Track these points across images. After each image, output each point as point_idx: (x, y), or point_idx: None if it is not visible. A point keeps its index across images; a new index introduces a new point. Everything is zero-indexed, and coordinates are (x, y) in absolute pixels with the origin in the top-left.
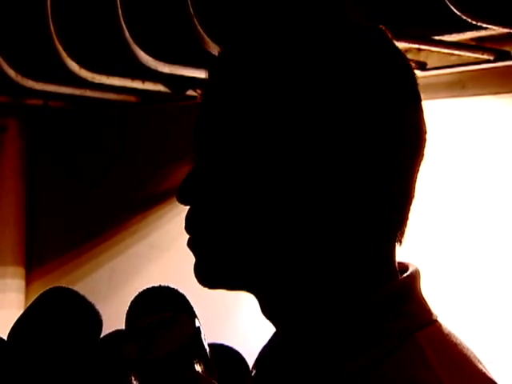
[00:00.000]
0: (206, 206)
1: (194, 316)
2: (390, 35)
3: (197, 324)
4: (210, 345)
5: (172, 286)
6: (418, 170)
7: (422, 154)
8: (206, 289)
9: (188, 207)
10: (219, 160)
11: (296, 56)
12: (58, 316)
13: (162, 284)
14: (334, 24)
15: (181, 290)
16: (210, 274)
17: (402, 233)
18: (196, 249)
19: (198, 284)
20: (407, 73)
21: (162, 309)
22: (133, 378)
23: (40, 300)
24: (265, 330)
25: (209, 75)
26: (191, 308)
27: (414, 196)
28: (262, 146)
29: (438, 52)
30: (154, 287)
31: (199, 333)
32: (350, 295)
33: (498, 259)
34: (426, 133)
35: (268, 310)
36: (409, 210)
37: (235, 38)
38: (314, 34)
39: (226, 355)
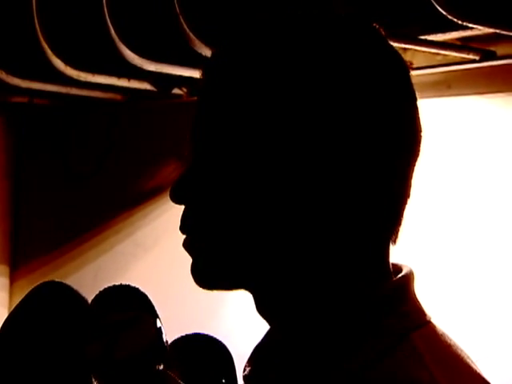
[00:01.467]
0: (202, 205)
1: (155, 315)
2: (383, 33)
3: (158, 324)
4: (194, 335)
5: (157, 283)
6: (414, 170)
7: (418, 153)
8: (190, 287)
9: (176, 206)
10: (216, 160)
11: (291, 55)
12: (51, 309)
13: (129, 282)
14: (328, 22)
15: (166, 288)
16: (207, 276)
17: (397, 232)
18: (192, 250)
19: (182, 282)
20: (403, 71)
21: (124, 308)
22: (93, 378)
23: (33, 293)
24: (249, 330)
25: (204, 75)
26: (153, 307)
27: (409, 196)
28: (258, 146)
29: (424, 52)
30: (115, 286)
31: (161, 332)
32: (344, 295)
33: (490, 258)
34: (421, 131)
35: (264, 309)
36: (404, 209)
37: (229, 38)
38: (308, 34)
39: (209, 345)
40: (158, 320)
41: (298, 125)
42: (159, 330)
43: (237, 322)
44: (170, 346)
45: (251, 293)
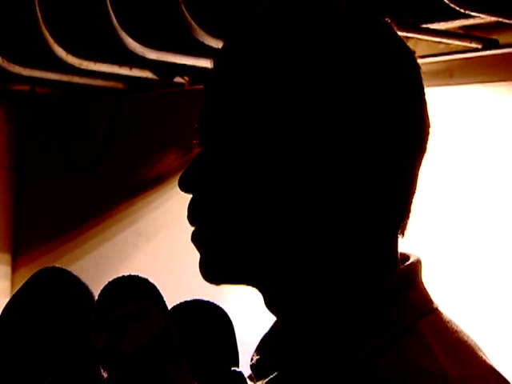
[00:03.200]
0: (210, 196)
1: (164, 307)
2: (394, 26)
3: (167, 315)
4: (193, 301)
5: (158, 272)
6: (421, 163)
7: (426, 147)
8: (192, 276)
9: (178, 196)
10: (225, 150)
11: (300, 48)
12: (52, 294)
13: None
14: (338, 14)
15: (167, 277)
16: (215, 271)
17: (405, 225)
18: (201, 244)
19: (183, 271)
20: (413, 66)
21: (133, 299)
22: (102, 370)
23: (34, 279)
24: (253, 317)
25: (214, 65)
26: (162, 298)
27: (416, 188)
28: (267, 137)
29: (427, 40)
30: (123, 277)
31: (170, 324)
32: (353, 285)
33: (496, 245)
34: (429, 126)
35: (271, 302)
36: (411, 202)
37: (239, 29)
38: (318, 27)
39: (209, 312)
40: (167, 311)
41: (308, 116)
42: (168, 321)
43: (240, 309)
44: (170, 311)
45: (258, 288)
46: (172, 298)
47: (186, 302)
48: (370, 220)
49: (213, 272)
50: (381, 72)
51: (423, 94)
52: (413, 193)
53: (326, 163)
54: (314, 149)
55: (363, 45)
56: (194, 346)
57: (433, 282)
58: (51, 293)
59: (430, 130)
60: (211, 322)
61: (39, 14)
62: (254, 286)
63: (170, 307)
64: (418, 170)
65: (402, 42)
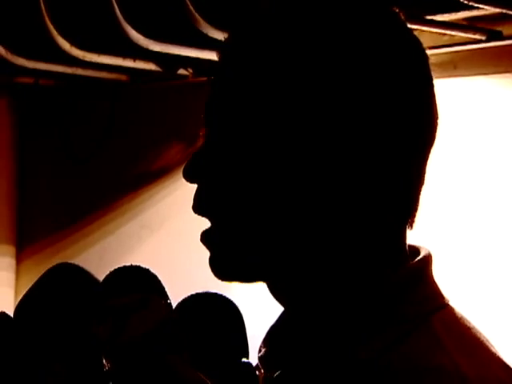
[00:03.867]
0: (215, 186)
1: (166, 297)
2: (403, 17)
3: (169, 305)
4: (203, 293)
5: (162, 264)
6: (429, 155)
7: (434, 139)
8: (196, 267)
9: (182, 188)
10: (230, 142)
11: (306, 38)
12: (66, 291)
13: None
14: (346, 5)
15: (171, 269)
16: (227, 268)
17: (414, 217)
18: (210, 242)
19: (187, 263)
20: (422, 57)
21: (134, 289)
22: (104, 360)
23: (47, 276)
24: (258, 309)
25: (220, 57)
26: (163, 288)
27: (424, 180)
28: (272, 129)
29: (431, 32)
30: (125, 267)
31: (171, 314)
32: (363, 279)
33: (504, 238)
34: (437, 118)
35: (280, 295)
36: (419, 194)
37: (245, 20)
38: (325, 18)
39: (219, 304)
40: (168, 301)
41: (314, 108)
42: (170, 311)
43: (245, 301)
44: (180, 304)
45: (268, 284)
46: (176, 290)
47: (195, 294)
48: (378, 212)
49: (224, 269)
50: (388, 62)
51: (432, 85)
52: (421, 185)
53: (333, 153)
54: (320, 140)
55: (371, 35)
56: (204, 338)
57: (442, 276)
58: (65, 291)
59: (439, 121)
60: (221, 314)
61: (43, 6)
62: (264, 281)
63: (174, 299)
64: (427, 162)
65: (410, 32)
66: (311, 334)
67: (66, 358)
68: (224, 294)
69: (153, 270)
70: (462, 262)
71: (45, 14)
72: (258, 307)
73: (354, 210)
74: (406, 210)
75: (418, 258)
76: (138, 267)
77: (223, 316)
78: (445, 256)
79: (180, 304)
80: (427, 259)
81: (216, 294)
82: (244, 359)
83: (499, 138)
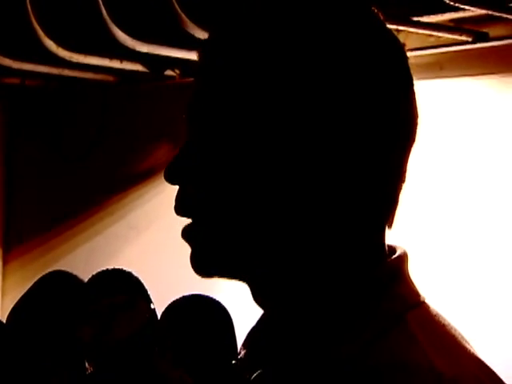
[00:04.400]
0: (198, 187)
1: (149, 300)
2: (382, 17)
3: (152, 308)
4: (192, 296)
5: (149, 266)
6: (409, 155)
7: (414, 139)
8: (183, 269)
9: (170, 189)
10: (211, 141)
11: (285, 38)
12: (58, 299)
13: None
14: (325, 4)
15: (158, 270)
16: (207, 265)
17: (393, 216)
18: (191, 238)
19: (174, 264)
20: (401, 57)
21: (118, 292)
22: (87, 363)
23: (39, 283)
24: (243, 312)
25: (201, 56)
26: (146, 291)
27: (404, 180)
28: (251, 129)
29: (417, 33)
30: (108, 270)
31: (155, 316)
32: (341, 277)
33: (485, 240)
34: (417, 117)
35: (260, 295)
36: (399, 194)
37: (225, 19)
38: (304, 17)
39: (207, 306)
40: (151, 304)
41: (292, 108)
42: (153, 314)
43: (231, 303)
44: (170, 306)
45: (247, 282)
46: (163, 290)
47: (185, 296)
48: (356, 211)
49: (203, 265)
50: (368, 62)
51: (412, 84)
52: (401, 184)
53: (311, 152)
54: (299, 139)
55: (350, 34)
56: (194, 339)
57: (420, 275)
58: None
59: (419, 121)
60: (210, 316)
61: (30, 8)
62: (243, 279)
63: (162, 298)
64: (407, 162)
65: (389, 32)
66: (290, 333)
67: (52, 362)
68: (213, 295)
69: (138, 273)
70: (441, 262)
71: (31, 15)
72: (246, 308)
73: (333, 209)
74: (385, 209)
75: (393, 256)
76: (121, 270)
77: (213, 318)
78: (426, 256)
79: (170, 306)
80: (403, 258)
81: (206, 296)
82: (234, 361)
83: (485, 138)
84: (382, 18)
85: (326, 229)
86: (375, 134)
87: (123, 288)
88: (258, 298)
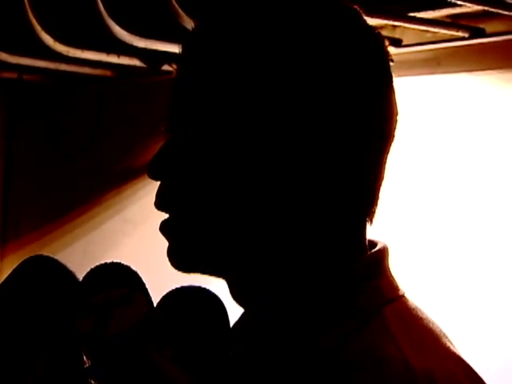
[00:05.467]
0: (180, 183)
1: (147, 294)
2: (363, 14)
3: (150, 302)
4: (186, 287)
5: (146, 260)
6: (389, 151)
7: (393, 136)
8: None
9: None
10: (194, 136)
11: (268, 38)
12: (40, 283)
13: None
14: (304, 5)
15: (155, 265)
16: (184, 259)
17: (373, 212)
18: (169, 232)
19: None
20: (380, 54)
21: (116, 286)
22: (84, 356)
23: (20, 268)
24: (237, 306)
25: (183, 48)
26: (144, 285)
27: (384, 176)
28: (232, 125)
29: (414, 29)
30: (106, 263)
31: (153, 310)
32: (319, 272)
33: (466, 235)
34: (397, 114)
35: (239, 292)
36: (379, 190)
37: (210, 12)
38: (286, 16)
39: (203, 298)
40: (149, 298)
41: (271, 104)
42: (151, 308)
43: (225, 296)
44: (164, 298)
45: (225, 277)
46: (159, 285)
47: (179, 288)
48: (336, 207)
49: (182, 260)
50: (346, 60)
51: (391, 81)
52: (380, 180)
53: (290, 148)
54: (278, 135)
55: (328, 32)
56: (188, 332)
57: (402, 269)
58: (37, 281)
59: (398, 117)
60: (205, 308)
61: (27, 2)
62: (221, 274)
63: (158, 292)
64: (386, 158)
65: (370, 29)
66: (269, 328)
67: (45, 354)
68: (208, 288)
69: (134, 267)
70: (423, 257)
71: (28, 9)
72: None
73: (312, 204)
74: (365, 204)
75: (373, 250)
76: (119, 264)
77: (207, 310)
78: (409, 251)
79: (164, 298)
80: (383, 252)
81: (200, 287)
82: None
83: (483, 134)
84: (361, 14)
85: (305, 224)
86: (352, 131)
87: (121, 282)
88: (236, 294)
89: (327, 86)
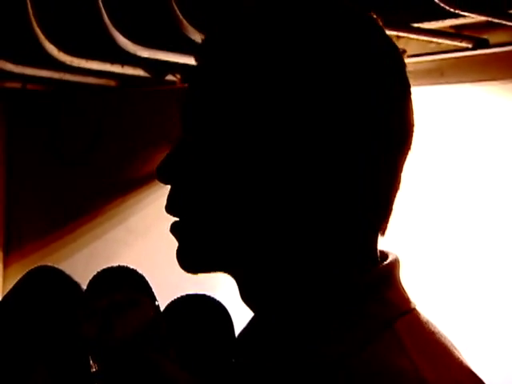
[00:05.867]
0: (188, 185)
1: (153, 297)
2: (380, 22)
3: (156, 305)
4: (191, 295)
5: (149, 270)
6: (405, 162)
7: (409, 147)
8: (182, 272)
9: (167, 192)
10: (204, 142)
11: (284, 44)
12: (44, 294)
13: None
14: (322, 9)
15: (158, 275)
16: (193, 260)
17: (386, 223)
18: (179, 233)
19: (174, 269)
20: (398, 63)
21: (122, 289)
22: (91, 361)
23: (26, 279)
24: (240, 316)
25: (196, 57)
26: (150, 289)
27: (399, 187)
28: (244, 131)
29: (417, 39)
30: (112, 267)
31: (159, 314)
32: (330, 282)
33: (480, 248)
34: (413, 125)
35: (249, 296)
36: (393, 201)
37: (223, 22)
38: (302, 22)
39: (207, 306)
40: (156, 302)
41: (287, 112)
42: (157, 312)
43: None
44: (169, 305)
45: (236, 278)
46: (163, 295)
47: (184, 295)
48: (349, 217)
49: (191, 261)
50: (364, 69)
51: (409, 92)
52: (395, 191)
53: (304, 157)
54: (293, 144)
55: (348, 42)
56: (193, 339)
57: (413, 282)
58: (42, 292)
59: (414, 128)
60: (210, 315)
61: (31, 11)
62: (231, 275)
63: (161, 303)
64: (401, 169)
65: (388, 39)
66: (279, 335)
67: (51, 359)
68: (206, 293)
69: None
70: (434, 270)
71: (33, 19)
72: (246, 309)
73: (323, 213)
74: (378, 215)
75: (385, 262)
76: (126, 267)
77: (212, 317)
78: (420, 263)
79: (169, 305)
80: (394, 264)
81: (205, 295)
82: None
83: (486, 145)
84: (381, 24)
85: (316, 231)
86: (368, 140)
87: (128, 285)
88: (245, 297)
89: (344, 94)
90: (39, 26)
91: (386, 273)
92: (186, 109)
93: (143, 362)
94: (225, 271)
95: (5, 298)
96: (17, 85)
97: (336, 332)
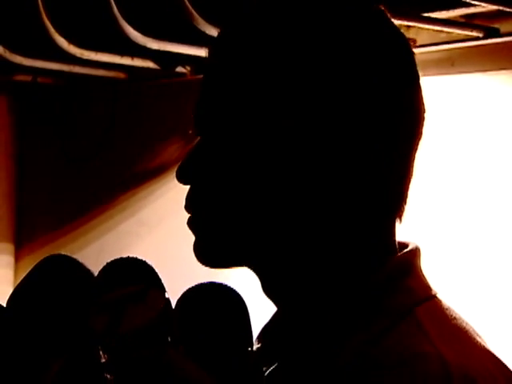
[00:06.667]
0: (207, 186)
1: (163, 289)
2: (387, 12)
3: (166, 297)
4: (207, 284)
5: (161, 262)
6: (417, 149)
7: (421, 134)
8: (195, 266)
9: (180, 185)
10: (223, 141)
11: (296, 38)
12: (58, 282)
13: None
14: (331, 5)
15: (170, 267)
16: (211, 254)
17: (402, 210)
18: (197, 228)
19: (186, 261)
20: (406, 53)
21: (131, 281)
22: (101, 352)
23: (39, 267)
24: (253, 308)
25: (210, 54)
26: (160, 281)
27: (412, 174)
28: (262, 127)
29: (428, 29)
30: (122, 258)
31: (169, 306)
32: (351, 271)
33: (493, 235)
34: (424, 112)
35: (270, 289)
36: (408, 188)
37: (236, 17)
38: (312, 15)
39: (223, 294)
40: (165, 293)
41: (301, 106)
42: (167, 304)
43: (249, 292)
44: (184, 294)
45: (256, 272)
46: (175, 287)
47: (199, 284)
48: (365, 206)
49: (208, 255)
50: (372, 59)
51: (418, 80)
52: (409, 178)
53: (319, 150)
54: (307, 137)
55: (356, 32)
56: (208, 328)
57: (433, 269)
58: (55, 280)
59: (425, 115)
60: (225, 304)
61: (40, 4)
62: (252, 270)
63: (173, 296)
64: (414, 156)
65: (395, 28)
66: (301, 327)
67: (61, 350)
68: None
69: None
70: (452, 257)
71: (43, 12)
72: (262, 298)
73: (341, 204)
74: (393, 203)
75: (406, 250)
76: (135, 259)
77: (228, 305)
78: (436, 250)
79: (184, 294)
80: (415, 252)
81: (220, 284)
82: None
83: (497, 135)
84: (388, 14)
85: (333, 223)
86: (380, 129)
87: (137, 277)
88: (266, 290)
89: (354, 85)
90: (49, 19)
91: (406, 261)
92: (200, 108)
93: (153, 353)
94: (245, 265)
95: (18, 285)
96: (27, 78)
97: (358, 321)
